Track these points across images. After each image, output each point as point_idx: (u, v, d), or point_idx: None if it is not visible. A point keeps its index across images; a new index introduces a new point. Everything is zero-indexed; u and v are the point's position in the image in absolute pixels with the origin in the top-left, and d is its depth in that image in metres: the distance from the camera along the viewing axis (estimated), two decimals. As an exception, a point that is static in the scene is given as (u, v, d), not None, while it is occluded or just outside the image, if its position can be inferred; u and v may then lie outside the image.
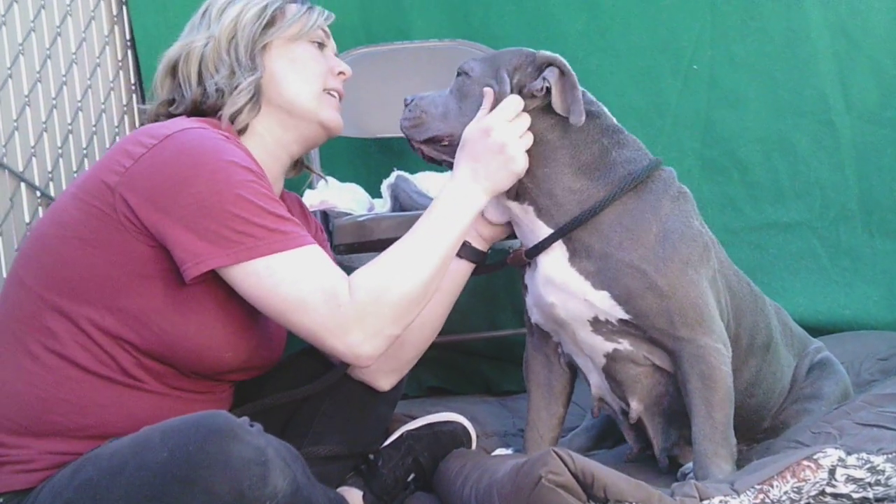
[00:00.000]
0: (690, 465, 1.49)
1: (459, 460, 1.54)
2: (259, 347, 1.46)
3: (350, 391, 1.62)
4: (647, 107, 2.36)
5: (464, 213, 1.41)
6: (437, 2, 2.45)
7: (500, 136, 1.42)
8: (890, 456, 1.21)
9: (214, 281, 1.34)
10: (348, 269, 2.29)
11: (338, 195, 2.14)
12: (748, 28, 2.31)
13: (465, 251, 1.57)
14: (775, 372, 1.61)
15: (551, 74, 1.43)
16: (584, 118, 1.42)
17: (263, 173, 1.40)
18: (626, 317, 1.43)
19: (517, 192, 1.48)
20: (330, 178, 2.26)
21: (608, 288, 1.42)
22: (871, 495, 1.18)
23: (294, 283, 1.31)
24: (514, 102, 1.44)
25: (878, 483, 1.18)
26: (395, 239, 2.00)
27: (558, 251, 1.46)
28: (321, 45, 1.57)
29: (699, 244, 1.46)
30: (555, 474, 1.17)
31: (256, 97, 1.48)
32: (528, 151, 1.45)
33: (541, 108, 1.46)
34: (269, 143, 1.51)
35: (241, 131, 1.49)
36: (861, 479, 1.19)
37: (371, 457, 1.63)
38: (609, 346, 1.47)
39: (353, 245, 2.06)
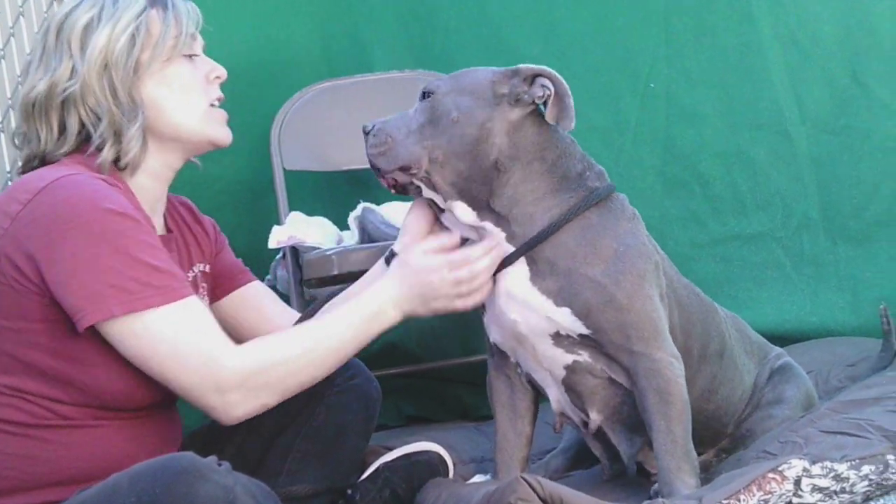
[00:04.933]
0: (661, 482, 1.51)
1: (436, 490, 1.54)
2: None
3: (321, 427, 1.62)
4: (607, 126, 2.39)
5: (378, 328, 1.43)
6: (397, 33, 2.47)
7: (469, 272, 1.42)
8: (853, 463, 1.23)
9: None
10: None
11: (305, 229, 2.15)
12: (701, 44, 2.35)
13: None
14: (732, 378, 1.63)
15: (549, 82, 1.45)
16: (574, 122, 1.46)
17: (143, 215, 1.36)
18: (586, 332, 1.45)
19: (485, 214, 1.48)
20: (297, 213, 2.28)
21: (569, 304, 1.44)
22: (837, 503, 1.20)
23: (171, 340, 1.29)
24: (494, 239, 1.45)
25: (843, 491, 1.19)
26: (365, 271, 2.04)
27: (520, 269, 1.47)
28: (192, 56, 1.48)
29: (652, 261, 1.49)
30: (524, 501, 1.18)
31: (144, 138, 1.42)
32: (504, 171, 1.45)
33: (520, 124, 1.46)
34: (156, 169, 1.47)
35: (133, 168, 1.43)
36: (826, 488, 1.20)
37: (349, 491, 1.63)
38: (569, 358, 1.48)
39: (324, 279, 2.07)
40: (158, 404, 1.44)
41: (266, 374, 1.33)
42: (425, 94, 1.49)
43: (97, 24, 1.41)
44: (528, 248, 1.45)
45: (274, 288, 2.27)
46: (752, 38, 2.33)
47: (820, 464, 1.24)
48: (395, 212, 2.16)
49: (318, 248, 2.07)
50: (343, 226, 2.23)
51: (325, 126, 2.41)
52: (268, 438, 1.63)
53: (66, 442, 1.35)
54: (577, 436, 1.72)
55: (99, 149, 1.40)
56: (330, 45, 2.49)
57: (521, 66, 1.48)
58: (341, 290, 1.62)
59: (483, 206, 1.47)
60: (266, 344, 1.37)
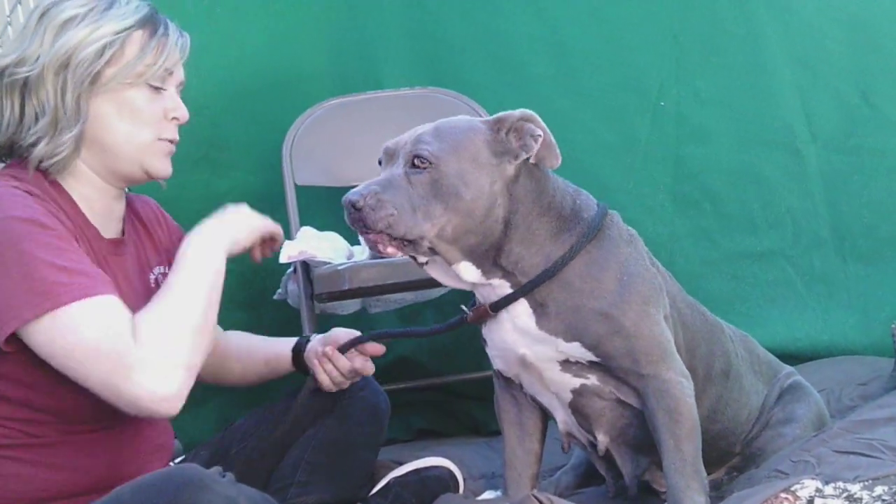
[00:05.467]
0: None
1: (446, 506, 1.54)
2: None
3: (330, 439, 1.62)
4: (617, 144, 2.40)
5: (217, 243, 1.43)
6: (408, 50, 2.49)
7: None
8: (866, 483, 1.23)
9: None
10: (331, 317, 2.32)
11: (317, 244, 2.16)
12: (711, 64, 2.37)
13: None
14: (739, 398, 1.62)
15: (536, 128, 1.42)
16: (560, 160, 1.44)
17: (56, 223, 1.33)
18: (595, 360, 1.45)
19: (492, 270, 1.44)
20: (308, 228, 2.29)
21: (579, 339, 1.44)
22: (850, 523, 1.19)
23: (80, 333, 1.26)
24: None
25: (856, 510, 1.19)
26: (376, 286, 2.06)
27: (523, 309, 1.45)
28: (159, 89, 1.45)
29: (655, 284, 1.48)
30: (536, 518, 1.18)
31: (77, 145, 1.41)
32: (510, 228, 1.42)
33: (516, 176, 1.43)
34: (98, 182, 1.45)
35: (58, 171, 1.41)
36: (839, 508, 1.20)
37: (358, 505, 1.63)
38: (577, 382, 1.48)
39: (335, 293, 2.08)
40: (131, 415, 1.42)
41: (162, 335, 1.29)
42: (419, 160, 1.39)
43: (77, 23, 1.39)
44: (528, 290, 1.43)
45: (285, 302, 2.29)
46: (762, 58, 2.35)
47: (833, 484, 1.24)
48: (406, 227, 2.17)
49: (329, 263, 2.08)
50: (354, 241, 2.24)
51: (336, 142, 2.42)
52: (276, 451, 1.63)
53: (44, 461, 1.35)
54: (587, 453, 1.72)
55: (33, 144, 1.39)
56: (341, 61, 2.51)
57: (502, 115, 1.44)
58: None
59: (490, 264, 1.44)
60: (146, 311, 1.33)
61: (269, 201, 2.45)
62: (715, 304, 2.00)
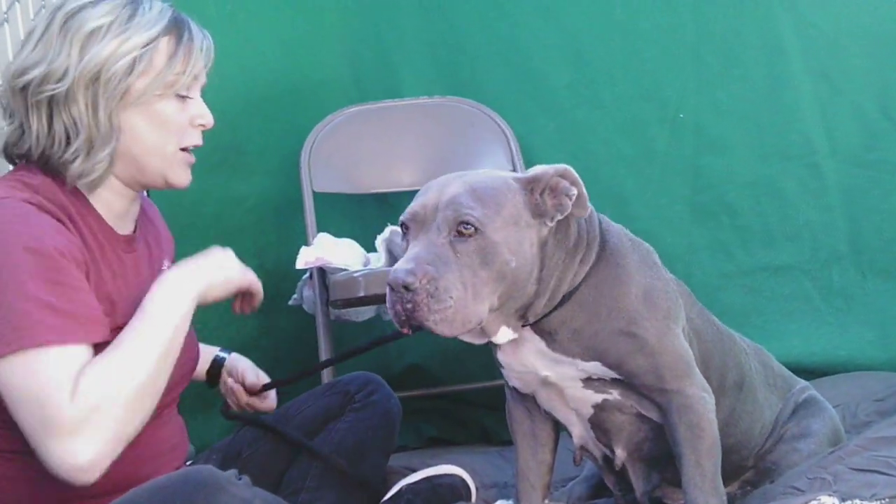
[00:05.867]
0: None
1: (459, 514, 1.53)
2: None
3: (341, 443, 1.62)
4: (635, 155, 2.40)
5: (178, 304, 1.37)
6: (427, 59, 2.50)
7: None
8: (884, 502, 1.21)
9: None
10: (345, 324, 2.32)
11: (333, 251, 2.16)
12: (731, 76, 2.36)
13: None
14: (752, 411, 1.61)
15: (572, 189, 1.33)
16: (588, 209, 1.36)
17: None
18: (618, 377, 1.43)
19: (519, 325, 1.38)
20: (325, 234, 2.30)
21: (599, 358, 1.41)
22: (865, 541, 1.18)
23: (26, 378, 1.22)
24: None
25: (873, 528, 1.18)
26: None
27: (529, 337, 1.40)
28: (185, 97, 1.44)
29: (673, 296, 1.46)
30: (551, 528, 1.17)
31: (112, 161, 1.40)
32: (539, 283, 1.34)
33: (546, 236, 1.34)
34: (120, 188, 1.44)
35: (93, 187, 1.41)
36: (855, 525, 1.19)
37: (370, 512, 1.63)
38: (599, 398, 1.46)
39: (351, 300, 2.08)
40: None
41: (98, 399, 1.24)
42: (464, 227, 1.28)
43: (104, 35, 1.36)
44: (534, 323, 1.38)
45: (300, 308, 2.29)
46: (782, 71, 2.34)
47: (850, 501, 1.23)
48: (422, 235, 2.17)
49: (345, 270, 2.09)
50: (370, 248, 2.25)
51: (354, 149, 2.43)
52: (286, 455, 1.63)
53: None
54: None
55: (69, 162, 1.37)
56: (360, 69, 2.52)
57: (537, 173, 1.34)
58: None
59: (516, 319, 1.38)
60: (93, 370, 1.27)
61: (286, 207, 2.48)
62: (731, 316, 1.99)
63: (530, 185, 1.34)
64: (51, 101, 1.36)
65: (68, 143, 1.37)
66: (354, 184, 2.43)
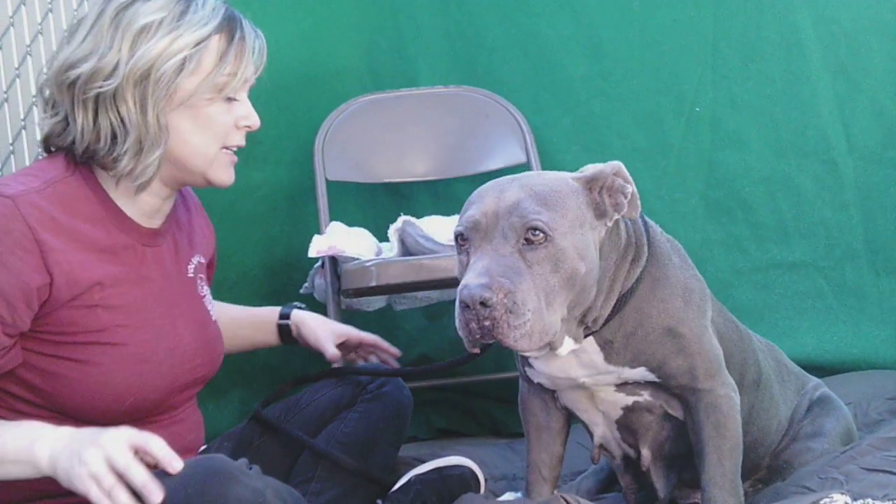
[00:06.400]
0: (697, 509, 1.49)
1: (468, 505, 1.53)
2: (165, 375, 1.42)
3: (351, 434, 1.62)
4: (650, 148, 2.39)
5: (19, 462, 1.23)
6: (443, 49, 2.49)
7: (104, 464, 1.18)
8: (895, 502, 1.21)
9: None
10: (356, 313, 2.32)
11: (345, 240, 2.16)
12: (749, 70, 2.34)
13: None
14: (769, 409, 1.61)
15: (628, 186, 1.30)
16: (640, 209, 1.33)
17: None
18: (656, 380, 1.42)
19: (577, 329, 1.34)
20: (338, 223, 2.30)
21: (645, 363, 1.40)
22: (877, 540, 1.18)
23: None
24: None
25: (884, 528, 1.17)
26: (403, 283, 2.06)
27: (589, 346, 1.37)
28: (233, 99, 1.41)
29: (707, 295, 1.46)
30: (561, 520, 1.17)
31: (160, 163, 1.37)
32: (596, 286, 1.31)
33: (603, 238, 1.31)
34: (157, 187, 1.42)
35: (142, 188, 1.39)
36: (867, 525, 1.19)
37: (379, 502, 1.63)
38: (630, 400, 1.45)
39: (362, 289, 2.09)
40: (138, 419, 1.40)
41: None
42: (533, 234, 1.23)
43: (156, 31, 1.34)
44: (597, 330, 1.35)
45: (311, 296, 2.29)
46: (800, 67, 2.32)
47: (861, 501, 1.22)
48: (434, 226, 2.17)
49: (358, 259, 2.09)
50: (383, 238, 2.25)
51: (368, 138, 2.43)
52: (298, 444, 1.63)
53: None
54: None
55: (119, 159, 1.35)
56: (376, 58, 2.51)
57: (595, 172, 1.31)
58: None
59: (576, 326, 1.34)
60: None
61: (299, 196, 2.48)
62: (744, 313, 1.98)
63: (590, 185, 1.30)
64: (98, 97, 1.33)
65: (114, 140, 1.34)
66: (368, 173, 2.42)
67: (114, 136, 1.34)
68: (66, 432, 1.23)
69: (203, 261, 1.59)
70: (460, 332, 1.23)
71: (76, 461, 1.17)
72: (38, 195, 1.33)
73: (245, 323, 1.76)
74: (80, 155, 1.37)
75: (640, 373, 1.41)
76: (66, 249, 1.32)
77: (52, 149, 1.41)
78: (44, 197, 1.33)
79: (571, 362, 1.40)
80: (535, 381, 1.51)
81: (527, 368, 1.49)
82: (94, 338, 1.35)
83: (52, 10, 2.18)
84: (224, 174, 1.44)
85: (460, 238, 1.29)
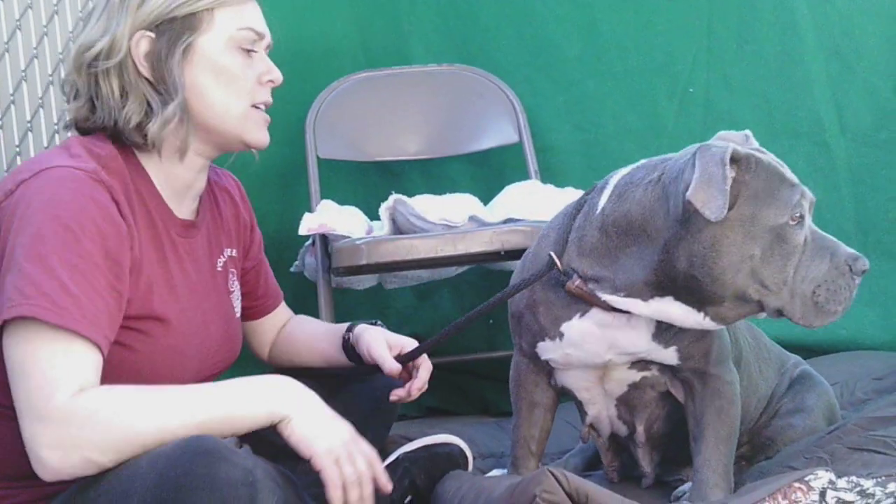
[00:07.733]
0: (683, 487, 1.50)
1: (456, 482, 1.54)
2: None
3: (342, 414, 1.62)
4: (643, 129, 2.38)
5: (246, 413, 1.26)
6: (436, 27, 2.48)
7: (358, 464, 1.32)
8: (879, 480, 1.22)
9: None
10: (347, 291, 2.32)
11: (336, 218, 2.16)
12: (743, 51, 2.34)
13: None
14: (747, 386, 1.61)
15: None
16: None
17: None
18: (677, 363, 1.45)
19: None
20: (329, 201, 2.29)
21: (678, 343, 1.43)
22: (860, 518, 1.19)
23: (29, 354, 1.19)
24: None
25: (868, 506, 1.18)
26: (393, 262, 2.06)
27: (642, 324, 1.40)
28: (250, 51, 1.41)
29: None
30: (549, 493, 1.18)
31: (182, 118, 1.36)
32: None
33: None
34: (188, 156, 1.41)
35: (174, 152, 1.38)
36: (851, 502, 1.20)
37: (368, 479, 1.63)
38: (638, 376, 1.48)
39: (352, 268, 2.08)
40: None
41: (91, 420, 1.18)
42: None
43: None
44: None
45: (301, 275, 2.29)
46: (794, 48, 2.32)
47: (846, 478, 1.23)
48: (426, 204, 2.17)
49: (348, 237, 2.08)
50: (374, 216, 2.24)
51: (360, 116, 2.42)
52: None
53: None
54: (598, 437, 1.72)
55: (139, 125, 1.35)
56: (369, 36, 2.50)
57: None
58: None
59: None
60: (110, 390, 1.22)
61: (290, 173, 2.47)
62: (734, 294, 1.98)
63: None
64: (118, 69, 1.35)
65: (144, 109, 1.36)
66: (359, 151, 2.42)
67: (139, 104, 1.35)
68: (318, 401, 1.32)
69: (234, 254, 1.58)
70: (844, 305, 1.45)
71: (343, 453, 1.30)
72: (107, 171, 1.32)
73: (321, 337, 1.72)
74: (110, 133, 1.38)
75: (670, 353, 1.43)
76: (137, 227, 1.34)
77: (86, 133, 1.41)
78: (110, 172, 1.33)
79: (613, 338, 1.41)
80: (543, 357, 1.51)
81: (538, 345, 1.49)
82: (136, 324, 1.33)
83: (58, 13, 2.17)
84: (259, 133, 1.44)
85: (800, 219, 1.44)
